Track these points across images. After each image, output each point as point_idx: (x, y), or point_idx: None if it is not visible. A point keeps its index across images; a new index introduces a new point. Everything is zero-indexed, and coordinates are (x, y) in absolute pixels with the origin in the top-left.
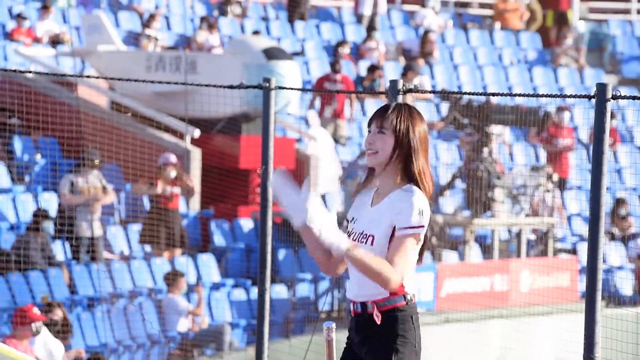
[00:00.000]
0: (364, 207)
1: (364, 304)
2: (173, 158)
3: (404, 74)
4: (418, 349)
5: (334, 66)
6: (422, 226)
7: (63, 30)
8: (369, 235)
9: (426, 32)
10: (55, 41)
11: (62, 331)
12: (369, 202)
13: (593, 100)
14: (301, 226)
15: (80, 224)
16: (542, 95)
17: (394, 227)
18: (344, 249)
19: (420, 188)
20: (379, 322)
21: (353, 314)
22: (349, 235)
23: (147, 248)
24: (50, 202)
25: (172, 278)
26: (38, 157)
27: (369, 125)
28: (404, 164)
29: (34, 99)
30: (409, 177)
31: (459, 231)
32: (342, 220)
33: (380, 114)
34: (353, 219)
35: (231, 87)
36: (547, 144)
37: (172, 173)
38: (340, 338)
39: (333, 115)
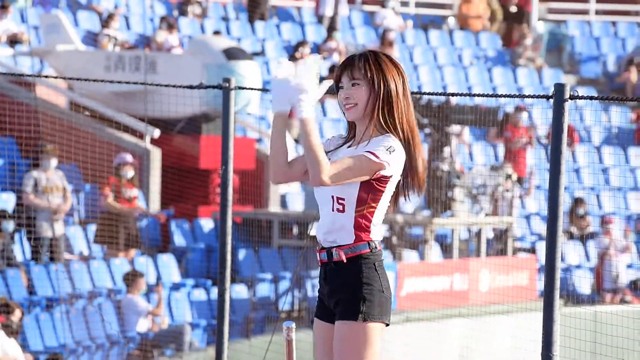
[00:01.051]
0: (340, 150)
1: (329, 252)
2: (129, 158)
3: None
4: (387, 293)
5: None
6: (384, 161)
7: (21, 29)
8: None
9: (384, 32)
10: (13, 41)
11: (17, 332)
12: (345, 146)
13: (551, 100)
14: (279, 113)
15: (41, 224)
16: (501, 96)
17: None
18: (305, 115)
19: (399, 139)
20: (344, 260)
21: (320, 262)
22: None
23: (99, 249)
24: (8, 202)
25: (131, 278)
26: None
27: (339, 79)
28: (381, 111)
29: None
30: (388, 126)
31: (419, 230)
32: (306, 220)
33: (349, 65)
34: (328, 154)
35: (191, 87)
36: (507, 142)
37: (129, 173)
38: (300, 338)
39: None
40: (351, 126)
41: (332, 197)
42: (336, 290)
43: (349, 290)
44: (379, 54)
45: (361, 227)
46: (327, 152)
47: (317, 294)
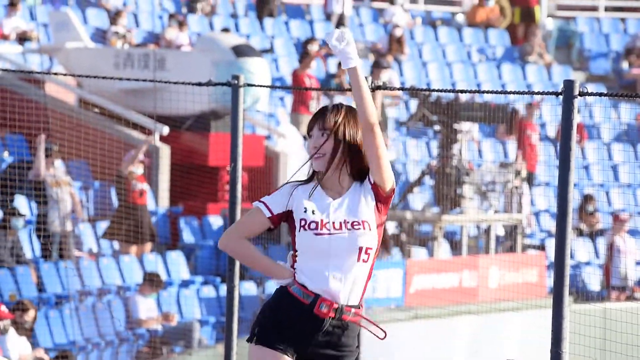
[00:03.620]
0: (319, 200)
1: (340, 309)
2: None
3: (372, 71)
4: None
5: (305, 62)
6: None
7: (31, 27)
8: (362, 222)
9: (393, 28)
10: (22, 38)
11: (30, 329)
12: (322, 195)
13: (561, 97)
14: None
15: (53, 220)
16: (510, 92)
17: (374, 205)
18: (354, 64)
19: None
20: (359, 323)
21: (324, 315)
22: (323, 225)
23: (115, 245)
24: (18, 199)
25: (149, 278)
26: (5, 154)
27: (310, 130)
28: (353, 161)
29: (0, 95)
30: (361, 172)
31: (427, 227)
32: None
33: (320, 117)
34: (312, 210)
35: (200, 84)
36: (521, 139)
37: (139, 170)
38: None
39: (303, 110)
40: (314, 174)
41: (361, 247)
42: (338, 345)
43: (354, 346)
44: (350, 107)
45: (369, 278)
46: (306, 210)
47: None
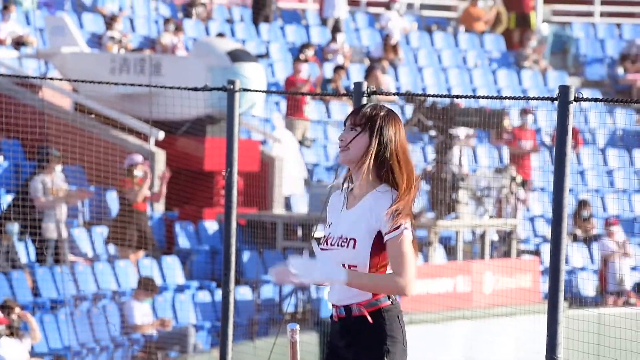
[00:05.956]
0: (337, 210)
1: (348, 308)
2: (139, 158)
3: (367, 76)
4: (406, 346)
5: (296, 67)
6: (409, 226)
7: (27, 32)
8: (350, 239)
9: (387, 35)
10: (18, 43)
11: (16, 333)
12: (343, 205)
13: (556, 103)
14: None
15: (47, 225)
16: (506, 98)
17: (378, 231)
18: (344, 280)
19: (396, 189)
20: (371, 322)
21: (337, 318)
22: (327, 241)
23: (112, 250)
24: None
25: (144, 282)
26: (1, 159)
27: (344, 123)
28: (377, 163)
29: None
30: (384, 177)
31: (423, 232)
32: (310, 222)
33: (355, 111)
34: (330, 224)
35: (195, 89)
36: (511, 146)
37: (140, 173)
38: (304, 340)
39: (299, 115)
40: (349, 169)
41: (344, 265)
42: (357, 341)
43: (372, 340)
44: (390, 110)
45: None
46: (328, 225)
47: (320, 296)
